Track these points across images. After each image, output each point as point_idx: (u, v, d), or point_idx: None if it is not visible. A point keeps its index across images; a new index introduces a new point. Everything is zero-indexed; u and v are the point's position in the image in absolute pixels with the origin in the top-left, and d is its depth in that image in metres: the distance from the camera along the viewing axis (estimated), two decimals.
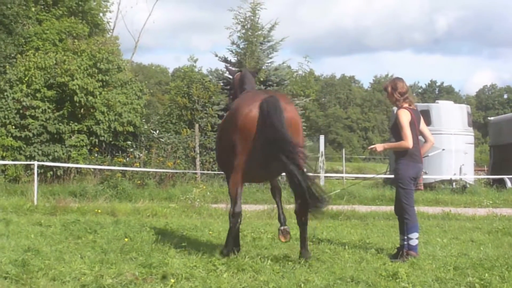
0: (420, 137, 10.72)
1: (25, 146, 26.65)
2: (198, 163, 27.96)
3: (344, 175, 38.98)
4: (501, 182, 32.43)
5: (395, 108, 11.75)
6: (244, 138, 9.44)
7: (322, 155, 29.04)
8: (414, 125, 10.43)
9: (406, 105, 10.51)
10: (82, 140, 27.10)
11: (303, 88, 36.92)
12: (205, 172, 27.26)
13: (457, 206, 22.59)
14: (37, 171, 21.63)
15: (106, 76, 28.03)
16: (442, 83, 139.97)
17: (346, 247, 11.39)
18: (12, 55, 31.27)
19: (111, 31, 40.85)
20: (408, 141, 10.30)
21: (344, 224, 16.40)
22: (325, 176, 33.23)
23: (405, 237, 10.39)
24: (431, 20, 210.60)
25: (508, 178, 32.22)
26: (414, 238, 10.41)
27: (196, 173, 27.08)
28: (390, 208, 19.32)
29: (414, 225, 10.43)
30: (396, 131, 10.54)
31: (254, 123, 9.42)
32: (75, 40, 30.09)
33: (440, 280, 8.37)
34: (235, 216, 9.82)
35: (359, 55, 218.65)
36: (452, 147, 30.02)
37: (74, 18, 33.48)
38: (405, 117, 10.39)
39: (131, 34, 43.37)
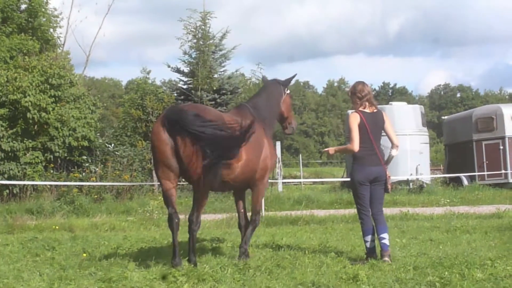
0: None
1: None
2: (154, 174, 27.80)
3: (302, 180, 39.08)
4: (457, 181, 32.82)
5: (349, 112, 11.92)
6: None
7: (279, 161, 29.06)
8: (365, 128, 10.36)
9: (361, 108, 10.52)
10: (37, 157, 26.81)
11: None
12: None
13: (415, 206, 22.79)
14: None
15: (59, 91, 27.78)
16: (395, 84, 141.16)
17: (306, 252, 11.38)
18: None
19: (62, 46, 40.49)
20: (353, 144, 10.36)
21: (303, 229, 16.43)
22: (283, 182, 33.34)
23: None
24: (383, 23, 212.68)
25: (464, 176, 32.59)
26: (369, 241, 10.48)
27: (153, 185, 26.94)
28: (348, 211, 19.50)
29: (367, 229, 10.50)
30: (347, 135, 10.77)
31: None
32: (26, 57, 29.79)
33: (400, 281, 8.40)
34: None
35: (313, 60, 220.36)
36: (407, 148, 30.26)
37: (24, 35, 33.15)
38: (353, 120, 10.42)
39: (82, 49, 43.03)
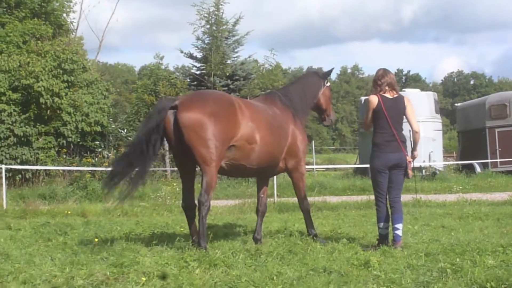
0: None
1: None
2: (167, 160, 27.87)
3: (314, 166, 39.02)
4: (470, 168, 32.73)
5: (362, 98, 11.89)
6: None
7: None
8: (382, 113, 10.26)
9: (381, 92, 10.42)
10: (50, 142, 26.95)
11: (271, 81, 36.86)
12: (175, 169, 27.13)
13: (427, 193, 22.75)
14: (5, 174, 21.43)
15: (71, 76, 27.86)
16: (409, 71, 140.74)
17: (318, 238, 11.38)
18: None
19: (75, 31, 40.54)
20: (364, 126, 10.44)
21: (315, 215, 16.39)
22: None
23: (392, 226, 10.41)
24: (397, 9, 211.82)
25: (477, 163, 32.51)
26: (383, 228, 10.42)
27: (166, 171, 26.98)
28: (361, 198, 19.49)
29: (381, 216, 10.42)
30: (361, 120, 10.72)
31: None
32: (39, 42, 29.84)
33: (412, 267, 8.38)
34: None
35: (326, 46, 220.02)
36: (420, 135, 30.15)
37: (37, 20, 33.14)
38: (369, 104, 10.42)
39: (95, 34, 43.23)
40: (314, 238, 11.14)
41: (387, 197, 10.46)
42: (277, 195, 22.26)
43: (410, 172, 10.36)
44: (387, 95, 10.41)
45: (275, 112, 11.08)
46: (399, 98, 10.48)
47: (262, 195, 11.56)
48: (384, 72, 10.56)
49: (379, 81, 10.49)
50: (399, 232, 10.25)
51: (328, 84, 12.09)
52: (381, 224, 10.41)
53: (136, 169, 10.60)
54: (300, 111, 11.52)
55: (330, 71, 12.24)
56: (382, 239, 10.37)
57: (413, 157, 10.53)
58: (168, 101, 10.30)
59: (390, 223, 10.41)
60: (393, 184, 10.41)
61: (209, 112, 9.93)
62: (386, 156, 10.28)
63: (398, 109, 10.38)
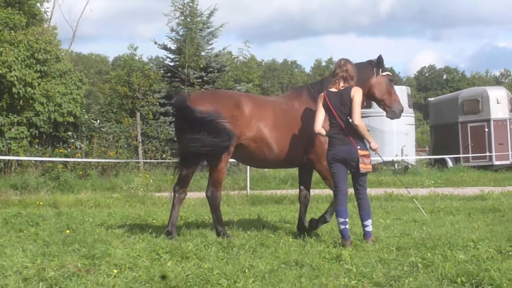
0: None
1: None
2: (140, 152, 27.80)
3: None
4: (442, 162, 32.98)
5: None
6: None
7: None
8: (328, 107, 10.15)
9: (333, 86, 10.33)
10: (22, 132, 26.77)
11: (245, 73, 36.90)
12: (148, 160, 27.10)
13: (400, 187, 22.83)
14: None
15: (45, 66, 27.68)
16: None
17: (290, 231, 11.43)
18: None
19: (49, 21, 40.20)
20: (314, 125, 10.27)
21: (288, 208, 16.46)
22: None
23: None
24: (375, 3, 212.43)
25: (449, 157, 32.76)
26: (339, 223, 10.08)
27: (138, 162, 26.91)
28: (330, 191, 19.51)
29: (338, 209, 10.14)
30: None
31: None
32: (12, 31, 29.56)
33: (383, 261, 8.42)
34: None
35: (303, 39, 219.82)
36: (393, 129, 30.34)
37: (10, 9, 32.84)
38: (318, 101, 10.33)
39: (68, 24, 42.91)
40: (324, 221, 11.38)
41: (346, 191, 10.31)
42: (249, 187, 22.30)
43: (361, 165, 9.95)
44: (333, 89, 10.23)
45: (293, 107, 11.18)
46: (345, 90, 10.18)
47: (301, 186, 11.85)
48: (339, 66, 10.34)
49: (333, 76, 10.40)
50: (369, 229, 10.16)
51: (385, 73, 11.65)
52: (338, 219, 10.10)
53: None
54: None
55: (383, 59, 11.70)
56: (342, 234, 10.07)
57: (373, 150, 10.33)
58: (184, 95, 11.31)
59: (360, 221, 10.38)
60: (354, 179, 10.27)
61: (213, 109, 10.46)
62: (335, 148, 10.10)
63: (343, 102, 10.10)
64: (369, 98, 11.91)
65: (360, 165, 9.92)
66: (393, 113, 11.68)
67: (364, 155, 9.97)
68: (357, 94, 10.08)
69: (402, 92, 32.58)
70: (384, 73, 11.56)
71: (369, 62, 11.63)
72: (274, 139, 10.91)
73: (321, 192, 18.84)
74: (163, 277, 7.32)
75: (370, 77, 11.48)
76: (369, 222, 10.17)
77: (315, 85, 11.62)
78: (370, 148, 10.25)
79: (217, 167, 10.72)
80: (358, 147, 9.96)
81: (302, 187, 11.78)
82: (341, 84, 10.19)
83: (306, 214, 11.77)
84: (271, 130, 10.90)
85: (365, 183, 10.29)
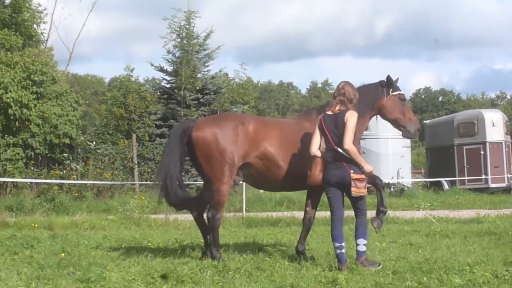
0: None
1: None
2: (136, 173, 27.80)
3: None
4: (438, 185, 32.98)
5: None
6: None
7: None
8: (323, 130, 10.10)
9: (331, 109, 10.31)
10: (18, 154, 26.76)
11: (241, 95, 37.01)
12: (144, 182, 27.08)
13: (395, 210, 22.82)
14: None
15: (41, 88, 27.73)
16: None
17: (286, 254, 11.39)
18: None
19: (45, 42, 40.24)
20: (310, 148, 10.26)
21: (284, 231, 16.42)
22: None
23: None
24: (370, 25, 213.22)
25: (444, 180, 32.76)
26: (335, 247, 10.01)
27: (134, 184, 26.89)
28: (329, 214, 19.46)
29: (333, 234, 10.07)
30: None
31: None
32: (8, 53, 29.61)
33: (379, 285, 8.40)
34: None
35: (299, 61, 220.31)
36: (389, 151, 30.40)
37: (7, 30, 32.90)
38: (316, 124, 10.33)
39: (65, 45, 42.74)
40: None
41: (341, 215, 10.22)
42: (245, 209, 22.25)
43: (353, 189, 9.80)
44: (329, 112, 10.18)
45: (303, 127, 11.09)
46: (340, 114, 10.08)
47: (307, 208, 11.52)
48: (337, 89, 10.31)
49: (333, 99, 10.36)
50: (360, 248, 10.02)
51: (396, 93, 11.46)
52: (334, 243, 10.03)
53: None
54: None
55: (392, 79, 11.53)
56: (338, 259, 9.97)
57: (368, 173, 10.15)
58: (190, 122, 11.69)
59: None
60: (351, 203, 10.18)
61: (214, 132, 10.76)
62: (328, 172, 10.06)
63: (337, 125, 10.01)
64: (384, 119, 11.84)
65: (352, 189, 9.80)
66: (408, 132, 11.59)
67: (357, 179, 9.85)
68: (350, 118, 9.97)
69: None
70: (395, 93, 11.43)
71: (380, 82, 11.56)
72: (281, 159, 10.89)
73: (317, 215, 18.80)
74: (164, 277, 7.29)
75: (380, 98, 11.44)
76: (361, 241, 10.05)
77: (325, 107, 11.49)
78: (365, 171, 10.05)
79: (219, 189, 10.74)
80: (351, 171, 9.84)
81: (308, 209, 11.50)
82: (338, 107, 10.12)
83: (306, 237, 11.63)
84: (277, 149, 10.89)
85: (363, 206, 10.22)
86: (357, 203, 10.14)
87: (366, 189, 10.02)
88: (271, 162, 10.88)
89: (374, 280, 8.76)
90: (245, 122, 10.94)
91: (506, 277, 8.84)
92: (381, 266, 9.72)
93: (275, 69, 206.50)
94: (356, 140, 10.95)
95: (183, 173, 11.78)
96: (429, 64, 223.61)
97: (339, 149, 9.88)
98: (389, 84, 11.45)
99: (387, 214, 11.46)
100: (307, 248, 12.09)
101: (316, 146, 10.15)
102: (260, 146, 10.83)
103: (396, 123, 11.63)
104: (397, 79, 11.64)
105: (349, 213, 10.67)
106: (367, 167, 10.04)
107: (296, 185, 11.45)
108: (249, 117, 11.43)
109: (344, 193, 10.09)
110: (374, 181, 11.02)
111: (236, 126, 10.84)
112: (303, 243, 11.43)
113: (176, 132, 11.13)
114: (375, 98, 11.41)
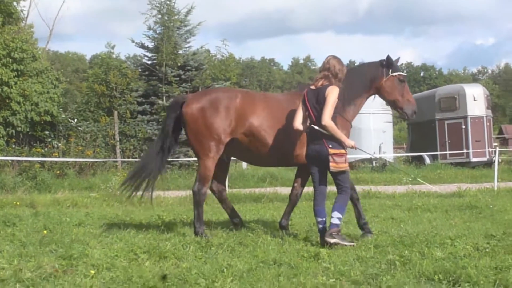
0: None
1: None
2: (118, 151, 27.72)
3: None
4: (420, 159, 33.12)
5: None
6: None
7: None
8: (305, 106, 10.05)
9: (314, 84, 10.22)
10: None
11: (222, 71, 36.90)
12: (126, 160, 27.03)
13: (377, 184, 22.94)
14: None
15: (21, 65, 27.51)
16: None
17: (269, 230, 11.41)
18: None
19: (25, 19, 39.97)
20: (293, 122, 10.24)
21: (266, 207, 16.47)
22: None
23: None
24: (353, 0, 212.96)
25: (426, 155, 32.90)
26: (317, 222, 10.04)
27: (116, 161, 26.83)
28: (312, 189, 19.51)
29: (315, 209, 10.08)
30: None
31: None
32: None
33: (361, 259, 8.43)
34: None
35: (282, 37, 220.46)
36: (371, 126, 30.48)
37: None
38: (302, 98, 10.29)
39: (45, 22, 42.48)
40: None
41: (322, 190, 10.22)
42: (228, 186, 22.26)
43: (332, 164, 9.73)
44: (313, 86, 10.09)
45: (293, 103, 10.86)
46: (322, 89, 9.96)
47: (295, 184, 11.65)
48: (323, 63, 10.20)
49: (318, 73, 10.27)
50: (333, 220, 9.77)
51: (395, 74, 11.21)
52: (316, 218, 10.05)
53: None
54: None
55: (392, 60, 11.23)
56: (319, 233, 10.00)
57: (350, 148, 9.98)
58: (181, 97, 11.78)
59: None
60: (333, 177, 10.06)
61: (202, 107, 10.85)
62: (308, 147, 10.08)
63: (318, 100, 9.91)
64: (382, 99, 11.72)
65: (331, 164, 9.74)
66: (405, 114, 11.38)
67: (335, 154, 9.75)
68: (331, 93, 9.83)
69: None
70: (394, 74, 11.19)
71: (380, 62, 11.34)
72: (267, 136, 10.87)
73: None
74: (164, 277, 7.28)
75: (379, 78, 11.23)
76: (336, 214, 9.79)
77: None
78: (347, 146, 9.93)
79: (205, 163, 10.87)
80: (330, 145, 9.75)
81: (296, 185, 11.61)
82: (321, 82, 10.01)
83: (290, 213, 11.69)
84: (264, 125, 10.87)
85: (343, 181, 10.03)
86: (337, 178, 10.01)
87: (346, 164, 9.94)
88: (257, 139, 10.89)
89: (356, 254, 8.79)
90: (233, 98, 10.94)
91: (487, 250, 8.90)
92: (353, 244, 9.62)
93: (257, 45, 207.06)
94: (353, 119, 11.28)
95: (172, 150, 11.77)
96: (411, 40, 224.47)
97: (317, 125, 9.83)
98: (389, 64, 11.22)
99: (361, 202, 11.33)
100: (290, 223, 12.11)
101: (299, 120, 10.11)
102: (247, 123, 10.82)
103: (394, 104, 11.49)
104: (398, 58, 11.54)
105: (333, 188, 10.66)
106: (349, 142, 9.92)
107: (285, 162, 11.51)
108: (238, 92, 11.33)
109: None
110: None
111: (224, 102, 10.87)
112: (287, 218, 11.51)
113: (169, 108, 11.38)
114: (374, 78, 11.28)
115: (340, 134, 9.85)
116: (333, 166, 9.76)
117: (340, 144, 9.84)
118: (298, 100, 10.67)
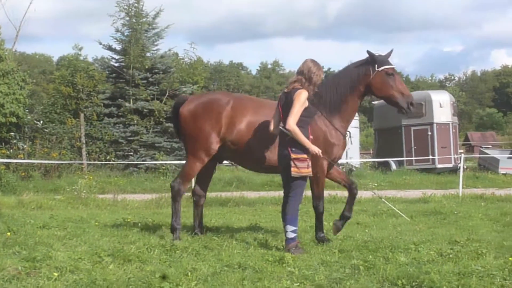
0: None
1: None
2: (84, 153, 27.59)
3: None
4: (386, 165, 33.26)
5: None
6: None
7: None
8: (278, 109, 9.96)
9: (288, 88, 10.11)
10: None
11: (190, 75, 36.85)
12: (92, 162, 26.88)
13: (343, 190, 22.88)
14: None
15: None
16: (329, 68, 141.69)
17: (235, 233, 11.40)
18: None
19: None
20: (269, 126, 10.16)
21: (233, 211, 16.47)
22: None
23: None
24: (323, 6, 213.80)
25: (392, 160, 33.05)
26: (289, 231, 9.65)
27: (82, 164, 26.68)
28: (279, 193, 19.53)
29: (289, 218, 9.70)
30: None
31: None
32: None
33: (325, 263, 8.46)
34: None
35: (251, 41, 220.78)
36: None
37: None
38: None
39: (12, 23, 42.10)
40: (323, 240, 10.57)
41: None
42: None
43: (293, 169, 9.51)
44: (286, 90, 9.93)
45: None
46: (291, 92, 9.77)
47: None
48: (299, 67, 9.98)
49: (295, 76, 10.08)
50: (289, 235, 9.62)
51: (381, 68, 10.54)
52: (283, 223, 9.85)
53: None
54: (328, 106, 10.65)
55: (374, 54, 10.62)
56: (288, 242, 9.69)
57: (314, 154, 9.67)
58: (183, 97, 11.67)
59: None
60: (288, 181, 9.84)
61: (196, 111, 10.86)
62: (278, 151, 9.95)
63: (287, 103, 9.72)
64: (377, 98, 11.43)
65: (292, 169, 9.52)
66: (401, 108, 10.96)
67: (296, 159, 9.54)
68: (297, 97, 9.64)
69: None
70: (380, 68, 10.57)
71: (365, 59, 10.74)
72: (252, 144, 10.66)
73: (266, 195, 18.89)
74: (164, 277, 7.24)
75: (366, 76, 10.66)
76: (288, 228, 9.64)
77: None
78: (311, 153, 9.65)
79: (191, 163, 10.93)
80: (293, 149, 9.56)
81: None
82: (293, 85, 9.84)
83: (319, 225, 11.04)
84: (249, 134, 10.66)
85: (296, 187, 9.76)
86: (293, 183, 9.77)
87: (309, 170, 9.70)
88: (246, 145, 10.69)
89: (320, 258, 8.84)
90: (226, 104, 10.83)
91: (450, 256, 8.99)
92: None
93: (226, 49, 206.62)
94: (347, 123, 10.94)
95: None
96: (379, 46, 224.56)
97: (282, 129, 9.69)
98: (372, 60, 10.63)
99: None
100: (257, 228, 12.16)
101: (275, 124, 9.99)
102: (234, 131, 10.69)
103: (389, 101, 11.00)
104: (391, 51, 11.01)
105: (278, 193, 10.66)
106: (312, 149, 9.64)
107: (274, 169, 10.90)
108: (231, 98, 11.08)
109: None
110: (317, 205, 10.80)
111: (218, 107, 10.79)
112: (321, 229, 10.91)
113: (172, 107, 11.59)
114: (358, 77, 10.70)
115: (303, 139, 9.57)
116: (294, 171, 9.54)
117: (303, 149, 9.60)
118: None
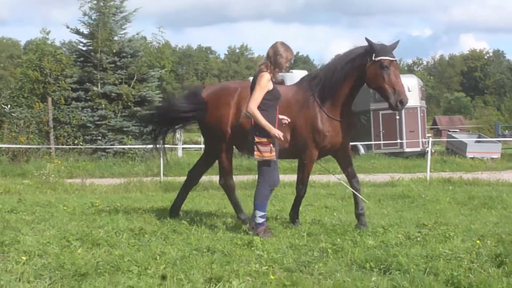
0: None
1: None
2: (52, 137, 27.42)
3: (202, 146, 39.04)
4: (355, 149, 33.35)
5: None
6: None
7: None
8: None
9: None
10: None
11: (158, 59, 36.74)
12: (60, 146, 26.74)
13: (312, 174, 22.92)
14: None
15: None
16: (298, 53, 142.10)
17: (203, 218, 11.42)
18: None
19: None
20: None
21: (201, 195, 16.43)
22: (183, 148, 33.35)
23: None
24: None
25: (360, 144, 33.17)
26: (257, 216, 9.60)
27: (50, 148, 26.53)
28: (247, 178, 19.59)
29: (257, 203, 9.69)
30: None
31: None
32: None
33: (294, 247, 8.50)
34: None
35: (219, 25, 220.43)
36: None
37: None
38: None
39: None
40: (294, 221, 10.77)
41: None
42: (163, 174, 22.22)
43: (255, 153, 9.47)
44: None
45: (289, 99, 10.45)
46: (255, 76, 9.71)
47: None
48: (267, 52, 9.80)
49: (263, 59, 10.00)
50: (257, 220, 9.56)
51: (378, 59, 9.89)
52: (255, 212, 9.69)
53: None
54: (325, 91, 10.38)
55: (373, 43, 10.04)
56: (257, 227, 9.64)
57: (275, 137, 9.43)
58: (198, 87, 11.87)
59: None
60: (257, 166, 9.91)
61: (206, 100, 10.93)
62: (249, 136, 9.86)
63: (252, 87, 9.69)
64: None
65: (255, 153, 9.50)
66: (390, 105, 10.13)
67: (260, 142, 9.46)
68: (259, 80, 9.54)
69: None
70: (377, 59, 9.94)
71: (364, 47, 10.19)
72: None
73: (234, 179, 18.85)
74: (164, 277, 7.22)
75: (363, 64, 10.14)
76: (257, 213, 9.59)
77: (316, 73, 11.08)
78: (272, 136, 9.44)
79: (220, 157, 11.29)
80: (257, 133, 9.48)
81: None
82: (259, 68, 9.77)
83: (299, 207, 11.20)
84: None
85: (264, 173, 9.74)
86: (259, 167, 9.80)
87: (272, 154, 9.53)
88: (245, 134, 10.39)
89: (289, 241, 8.88)
90: (235, 93, 10.78)
91: (418, 239, 9.07)
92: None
93: (194, 33, 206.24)
94: (344, 110, 10.65)
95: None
96: (347, 30, 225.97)
97: (247, 112, 9.65)
98: (371, 48, 10.04)
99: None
100: (225, 211, 12.20)
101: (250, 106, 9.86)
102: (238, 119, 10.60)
103: (380, 94, 10.21)
104: (397, 42, 10.40)
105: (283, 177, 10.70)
106: (273, 132, 9.42)
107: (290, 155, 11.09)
108: (240, 87, 10.93)
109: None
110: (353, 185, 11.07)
111: (230, 96, 10.77)
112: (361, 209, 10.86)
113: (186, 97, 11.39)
114: (356, 64, 10.23)
115: (264, 122, 9.40)
116: (256, 155, 9.50)
117: (267, 133, 9.45)
118: (291, 92, 10.63)
